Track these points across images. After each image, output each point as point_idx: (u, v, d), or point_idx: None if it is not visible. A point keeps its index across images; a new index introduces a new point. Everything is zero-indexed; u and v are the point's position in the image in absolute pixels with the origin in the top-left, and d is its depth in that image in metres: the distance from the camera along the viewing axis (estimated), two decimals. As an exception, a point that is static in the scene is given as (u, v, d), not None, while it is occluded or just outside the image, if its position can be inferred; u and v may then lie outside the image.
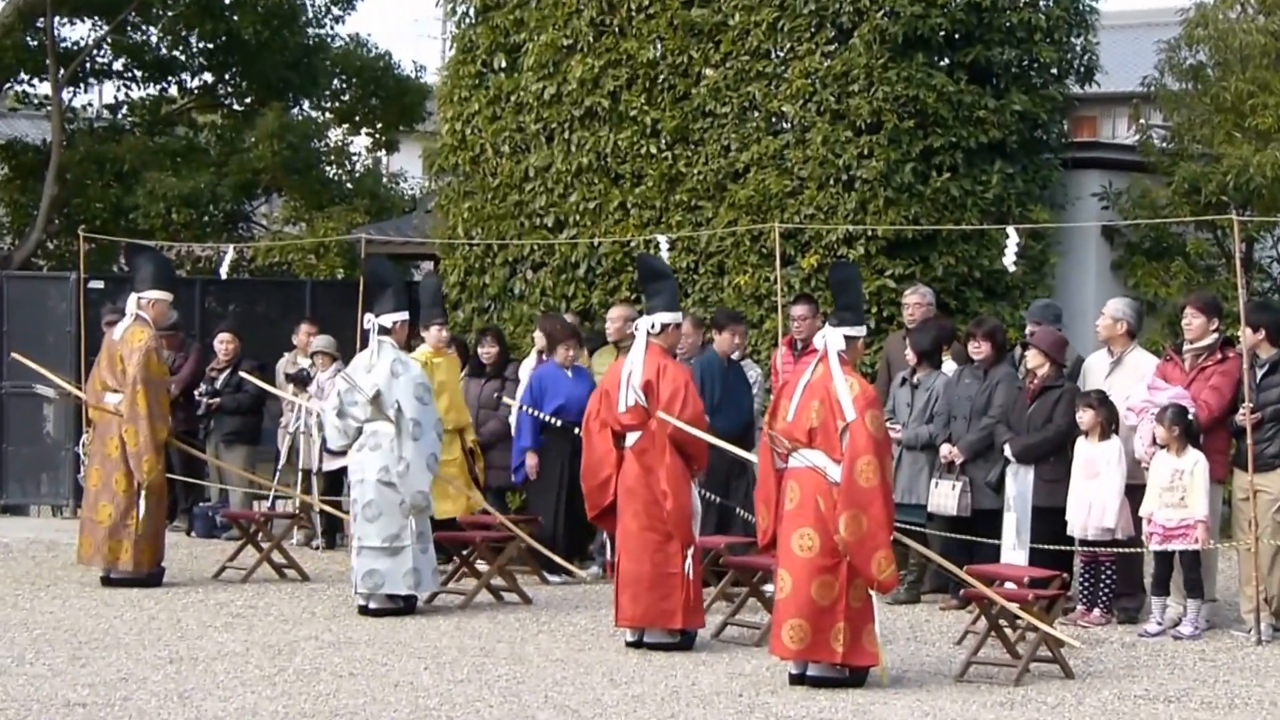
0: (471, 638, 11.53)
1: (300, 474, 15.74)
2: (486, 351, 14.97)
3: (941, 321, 13.75)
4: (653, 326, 11.25)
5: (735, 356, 13.92)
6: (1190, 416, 11.69)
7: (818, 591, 9.85)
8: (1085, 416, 12.03)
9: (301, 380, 15.78)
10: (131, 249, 14.85)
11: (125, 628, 11.76)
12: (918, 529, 12.35)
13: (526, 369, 14.68)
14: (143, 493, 13.33)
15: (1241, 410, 11.63)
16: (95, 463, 13.58)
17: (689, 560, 11.01)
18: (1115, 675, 10.56)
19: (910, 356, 13.20)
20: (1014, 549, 12.13)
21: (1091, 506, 11.96)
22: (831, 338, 10.15)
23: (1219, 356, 12.01)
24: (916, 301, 13.77)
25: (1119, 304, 12.79)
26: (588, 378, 13.99)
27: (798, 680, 10.03)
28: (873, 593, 9.94)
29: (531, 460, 14.07)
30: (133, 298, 13.66)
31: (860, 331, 10.32)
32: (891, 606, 12.54)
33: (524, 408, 14.06)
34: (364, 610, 12.33)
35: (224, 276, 17.90)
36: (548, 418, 13.83)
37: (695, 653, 11.03)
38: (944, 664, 10.79)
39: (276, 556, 14.10)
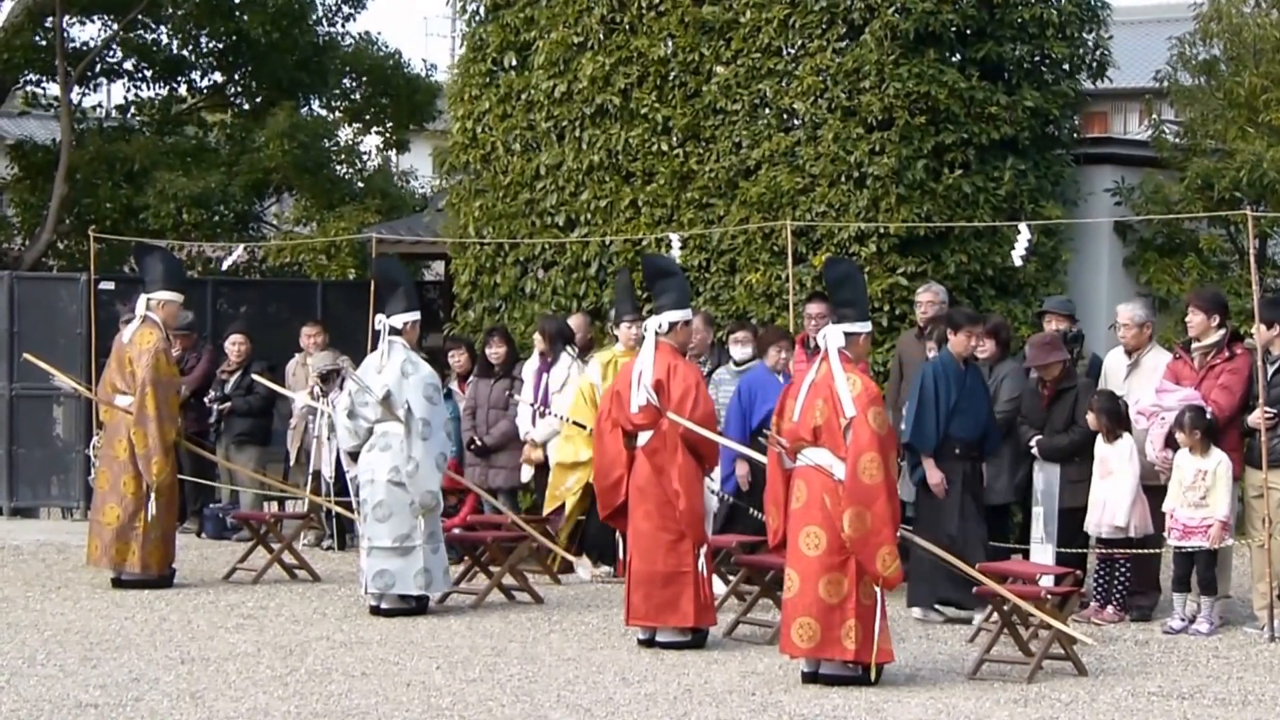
0: (484, 637, 11.52)
1: (311, 475, 15.73)
2: (495, 351, 14.95)
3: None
4: (660, 326, 11.22)
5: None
6: (1209, 416, 11.65)
7: (825, 589, 9.84)
8: (1092, 419, 12.05)
9: (330, 378, 15.59)
10: (140, 249, 14.82)
11: (136, 629, 11.75)
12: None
13: (529, 370, 14.66)
14: (152, 494, 13.32)
15: (1259, 411, 11.57)
16: (104, 464, 13.59)
17: (701, 559, 10.99)
18: (1129, 672, 10.54)
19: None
20: (1042, 542, 12.13)
21: (1105, 505, 11.95)
22: (831, 335, 10.13)
23: (1227, 354, 11.97)
24: (929, 299, 13.72)
25: (1140, 310, 12.69)
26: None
27: (810, 678, 10.02)
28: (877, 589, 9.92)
29: (742, 470, 13.10)
30: (142, 299, 13.65)
31: (861, 327, 10.23)
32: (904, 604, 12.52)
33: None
34: (375, 610, 12.31)
35: (225, 268, 17.90)
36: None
37: (708, 651, 11.01)
38: (957, 661, 10.76)
39: (287, 557, 14.10)
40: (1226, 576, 12.16)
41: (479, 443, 14.66)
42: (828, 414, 9.93)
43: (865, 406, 9.86)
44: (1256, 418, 11.60)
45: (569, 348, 14.63)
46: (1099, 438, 12.07)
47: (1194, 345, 12.16)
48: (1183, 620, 11.79)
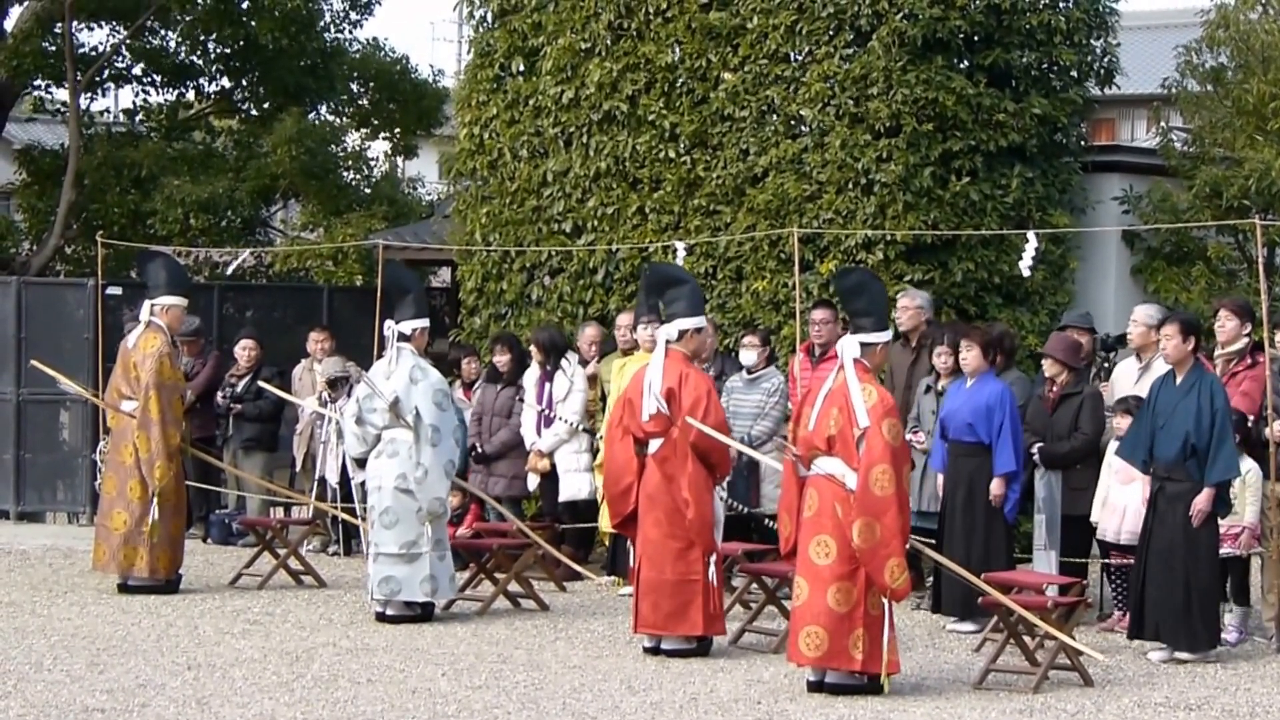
0: (489, 644, 11.52)
1: (317, 481, 15.72)
2: (502, 359, 14.96)
3: (955, 325, 13.66)
4: (671, 334, 11.21)
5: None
6: (1250, 424, 11.63)
7: (834, 599, 9.84)
8: (1117, 423, 12.00)
9: (338, 384, 15.57)
10: (144, 255, 14.84)
11: (143, 634, 11.75)
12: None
13: (530, 379, 14.64)
14: (154, 499, 13.32)
15: (1276, 424, 11.54)
16: (110, 470, 13.59)
17: (711, 568, 10.97)
18: (1135, 683, 10.52)
19: (944, 363, 12.95)
20: (1044, 549, 12.10)
21: (1128, 510, 11.92)
22: (847, 345, 10.12)
23: (1249, 362, 11.96)
24: (905, 304, 13.63)
25: (1152, 310, 12.69)
26: (988, 391, 12.19)
27: (816, 688, 10.01)
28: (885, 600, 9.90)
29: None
30: (146, 304, 13.67)
31: (877, 337, 10.20)
32: (910, 613, 12.51)
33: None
34: (381, 617, 12.31)
35: (230, 273, 17.90)
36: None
37: (713, 659, 11.00)
38: (962, 671, 10.75)
39: (293, 563, 14.10)
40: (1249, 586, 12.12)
41: (480, 450, 14.65)
42: (842, 424, 9.93)
43: (880, 418, 9.85)
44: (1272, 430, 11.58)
45: (567, 355, 14.63)
46: (1115, 445, 12.02)
47: (1217, 352, 12.15)
48: (1238, 633, 11.74)
